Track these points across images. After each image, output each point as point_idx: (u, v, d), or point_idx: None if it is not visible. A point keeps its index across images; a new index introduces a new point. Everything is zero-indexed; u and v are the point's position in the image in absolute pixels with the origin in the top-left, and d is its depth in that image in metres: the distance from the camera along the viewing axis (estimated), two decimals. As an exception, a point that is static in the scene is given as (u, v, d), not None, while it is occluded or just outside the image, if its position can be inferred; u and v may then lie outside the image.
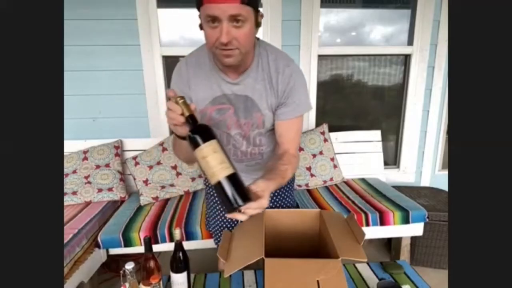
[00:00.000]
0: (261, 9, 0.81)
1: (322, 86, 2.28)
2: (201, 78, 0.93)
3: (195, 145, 0.67)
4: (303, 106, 0.96)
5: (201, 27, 0.81)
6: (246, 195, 0.68)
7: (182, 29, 2.13)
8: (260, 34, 2.10)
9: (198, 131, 0.68)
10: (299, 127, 0.99)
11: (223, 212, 1.17)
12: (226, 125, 0.98)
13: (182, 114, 0.71)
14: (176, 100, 0.70)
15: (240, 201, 0.67)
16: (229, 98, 0.95)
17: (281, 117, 0.95)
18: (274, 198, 1.19)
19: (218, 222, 1.20)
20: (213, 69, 0.92)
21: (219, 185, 0.66)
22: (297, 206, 1.28)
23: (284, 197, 1.21)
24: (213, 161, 0.66)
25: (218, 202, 1.16)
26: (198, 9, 0.78)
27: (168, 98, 0.76)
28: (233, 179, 0.67)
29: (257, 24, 0.82)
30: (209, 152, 0.66)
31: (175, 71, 0.96)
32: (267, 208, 1.16)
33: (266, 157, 1.09)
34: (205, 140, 0.66)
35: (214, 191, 1.16)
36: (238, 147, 1.03)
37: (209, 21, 0.75)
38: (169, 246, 1.57)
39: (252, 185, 0.76)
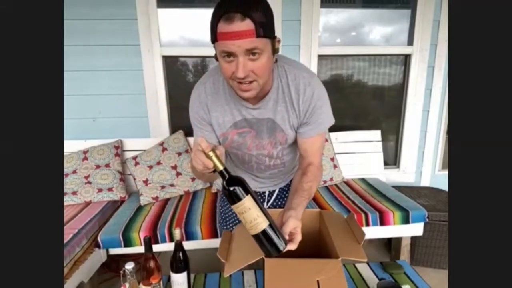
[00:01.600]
0: (278, 35, 0.81)
1: (322, 86, 2.28)
2: (220, 104, 0.92)
3: (232, 200, 0.69)
4: (325, 123, 0.95)
5: (216, 58, 0.79)
6: (284, 238, 0.73)
7: (182, 29, 2.13)
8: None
9: (233, 185, 0.68)
10: (322, 140, 0.99)
11: None
12: (247, 147, 0.99)
13: (214, 168, 0.70)
14: (208, 155, 0.68)
15: (281, 247, 0.71)
16: (250, 122, 0.94)
17: (304, 135, 0.95)
18: (282, 198, 1.20)
19: (237, 220, 1.20)
20: (232, 96, 0.91)
21: (258, 236, 0.71)
22: None
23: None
24: (251, 216, 0.69)
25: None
26: (213, 43, 0.76)
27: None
28: (271, 229, 0.70)
29: (274, 51, 0.79)
30: (246, 208, 0.69)
31: (195, 96, 0.94)
32: (268, 208, 1.18)
33: (288, 164, 1.09)
34: (241, 196, 0.68)
35: None
36: (261, 163, 1.04)
37: (225, 56, 0.74)
38: (169, 246, 1.57)
39: (284, 227, 0.78)
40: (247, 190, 0.69)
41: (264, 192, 1.18)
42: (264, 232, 0.70)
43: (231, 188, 0.68)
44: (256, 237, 0.71)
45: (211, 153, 0.68)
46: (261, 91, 0.86)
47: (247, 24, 0.69)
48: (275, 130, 0.95)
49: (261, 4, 0.72)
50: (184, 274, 0.98)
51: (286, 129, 0.94)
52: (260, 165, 1.05)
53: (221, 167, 0.68)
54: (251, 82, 0.77)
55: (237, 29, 0.69)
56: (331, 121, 0.96)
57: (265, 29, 0.72)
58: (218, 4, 0.72)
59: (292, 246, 0.77)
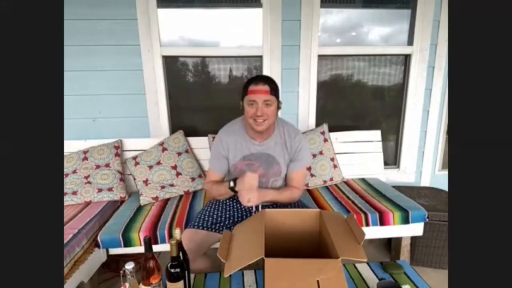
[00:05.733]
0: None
1: (322, 86, 2.28)
2: (236, 143, 1.43)
3: (169, 278, 0.95)
4: (306, 161, 1.48)
5: (242, 106, 1.36)
6: None
7: (182, 29, 2.13)
8: (260, 34, 2.11)
9: (175, 268, 0.96)
10: (304, 173, 1.53)
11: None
12: None
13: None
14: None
15: None
16: (255, 156, 1.43)
17: (292, 169, 1.45)
18: (267, 207, 1.38)
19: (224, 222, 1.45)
20: (245, 137, 1.43)
21: None
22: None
23: None
24: None
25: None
26: (242, 98, 1.35)
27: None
28: None
29: (278, 108, 1.36)
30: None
31: (218, 138, 1.46)
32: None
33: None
34: (177, 279, 0.95)
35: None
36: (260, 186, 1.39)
37: (250, 103, 1.30)
38: (169, 246, 1.56)
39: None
40: (183, 276, 0.97)
41: (251, 207, 1.40)
42: None
43: (173, 269, 0.95)
44: None
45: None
46: (266, 133, 1.39)
47: (266, 87, 1.29)
48: (273, 163, 1.43)
49: (274, 82, 1.34)
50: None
51: (281, 164, 1.44)
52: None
53: (175, 254, 0.97)
54: (264, 120, 1.31)
55: (260, 89, 1.29)
56: (309, 161, 1.56)
57: (275, 92, 1.32)
58: (250, 79, 1.33)
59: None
